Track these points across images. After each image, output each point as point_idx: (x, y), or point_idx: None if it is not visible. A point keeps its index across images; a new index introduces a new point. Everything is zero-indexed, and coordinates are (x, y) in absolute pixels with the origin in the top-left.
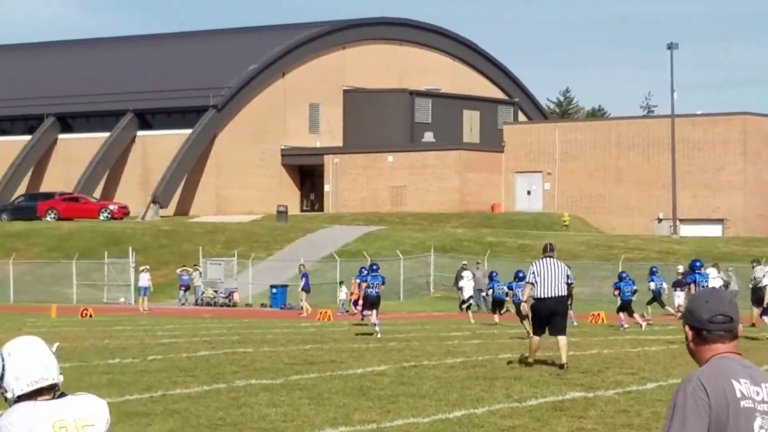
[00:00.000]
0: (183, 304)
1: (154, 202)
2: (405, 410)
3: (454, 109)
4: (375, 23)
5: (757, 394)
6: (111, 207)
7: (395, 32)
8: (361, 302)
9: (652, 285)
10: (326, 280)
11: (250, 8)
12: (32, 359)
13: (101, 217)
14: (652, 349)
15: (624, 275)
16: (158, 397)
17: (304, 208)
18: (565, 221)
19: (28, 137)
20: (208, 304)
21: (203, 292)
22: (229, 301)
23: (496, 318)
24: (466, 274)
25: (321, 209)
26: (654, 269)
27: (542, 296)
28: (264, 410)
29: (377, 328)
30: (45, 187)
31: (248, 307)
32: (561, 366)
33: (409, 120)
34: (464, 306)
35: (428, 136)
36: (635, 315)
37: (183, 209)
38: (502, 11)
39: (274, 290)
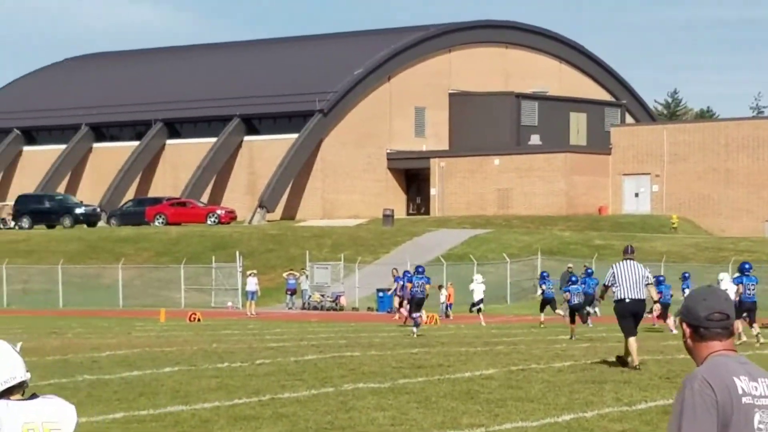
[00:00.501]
0: (290, 308)
1: (261, 206)
2: (513, 414)
3: (561, 111)
4: (481, 26)
5: (755, 389)
6: (218, 211)
7: (501, 35)
8: (405, 304)
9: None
10: (432, 284)
11: (356, 12)
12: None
13: (209, 222)
14: (759, 353)
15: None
16: (267, 401)
17: (411, 211)
18: (673, 223)
19: (136, 143)
20: (315, 308)
21: (310, 296)
22: (336, 304)
23: (542, 318)
24: (477, 277)
25: (427, 213)
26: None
27: (623, 298)
28: (372, 414)
29: (415, 329)
30: (153, 192)
31: (355, 311)
32: (635, 367)
33: (516, 123)
34: (474, 308)
35: (535, 139)
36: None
37: (290, 213)
38: (608, 13)
39: (381, 294)
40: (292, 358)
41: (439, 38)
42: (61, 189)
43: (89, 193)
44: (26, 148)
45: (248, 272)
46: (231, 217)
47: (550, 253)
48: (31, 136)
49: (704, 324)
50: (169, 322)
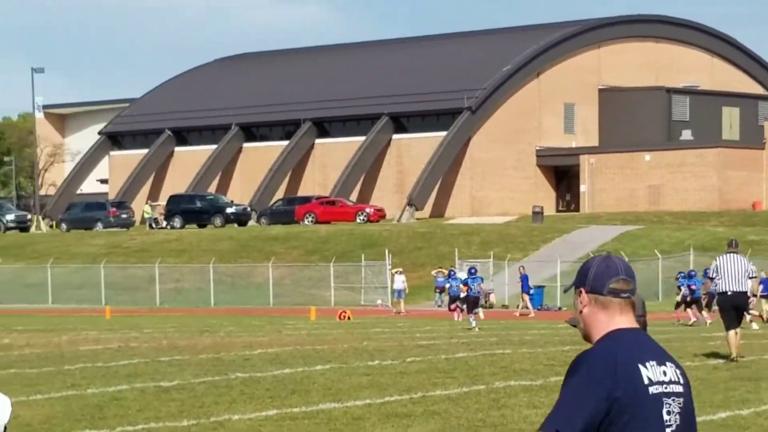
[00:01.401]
0: (439, 306)
1: (409, 204)
2: None
3: (713, 105)
4: (630, 21)
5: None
6: (367, 210)
7: (651, 29)
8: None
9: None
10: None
11: (504, 9)
12: None
13: (358, 220)
14: None
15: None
16: (418, 399)
17: (560, 208)
18: None
19: (285, 142)
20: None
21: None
22: (486, 302)
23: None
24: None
25: (577, 209)
26: None
27: (725, 290)
28: (524, 412)
29: (474, 323)
30: (302, 191)
31: (505, 309)
32: (733, 360)
33: (667, 118)
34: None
35: (686, 134)
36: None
37: (438, 211)
38: (762, 5)
39: (531, 291)
40: (442, 356)
41: (588, 34)
42: (211, 189)
43: (239, 192)
44: (177, 149)
45: (393, 270)
46: (380, 215)
47: (703, 249)
48: (183, 136)
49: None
50: (319, 320)
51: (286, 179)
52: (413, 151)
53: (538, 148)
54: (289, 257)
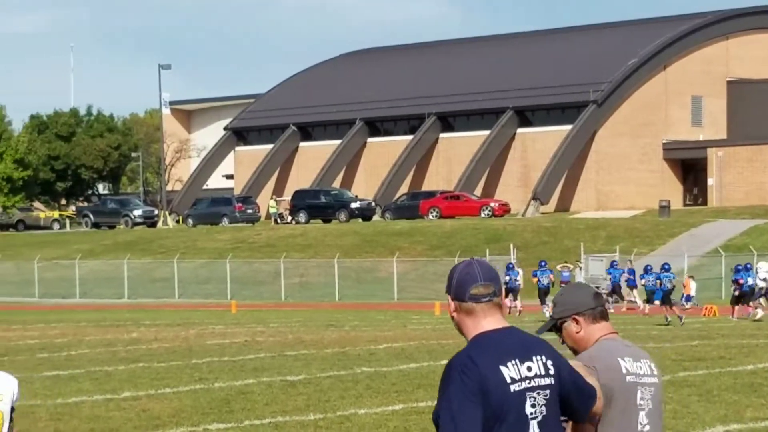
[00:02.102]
0: None
1: (534, 198)
2: None
3: None
4: (760, 12)
5: (640, 369)
6: (492, 204)
7: None
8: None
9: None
10: (711, 276)
11: (629, 1)
12: None
13: (482, 215)
14: None
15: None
16: None
17: (687, 202)
18: None
19: (410, 137)
20: None
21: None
22: (612, 297)
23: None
24: (762, 265)
25: (704, 203)
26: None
27: None
28: None
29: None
30: (427, 186)
31: (631, 303)
32: None
33: None
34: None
35: None
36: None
37: (563, 206)
38: None
39: (746, 286)
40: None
41: (716, 25)
42: (336, 184)
43: (364, 187)
44: (302, 144)
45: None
46: (504, 209)
47: None
48: (307, 132)
49: (590, 310)
50: (443, 315)
51: (411, 174)
52: (538, 144)
53: (664, 141)
54: (413, 252)
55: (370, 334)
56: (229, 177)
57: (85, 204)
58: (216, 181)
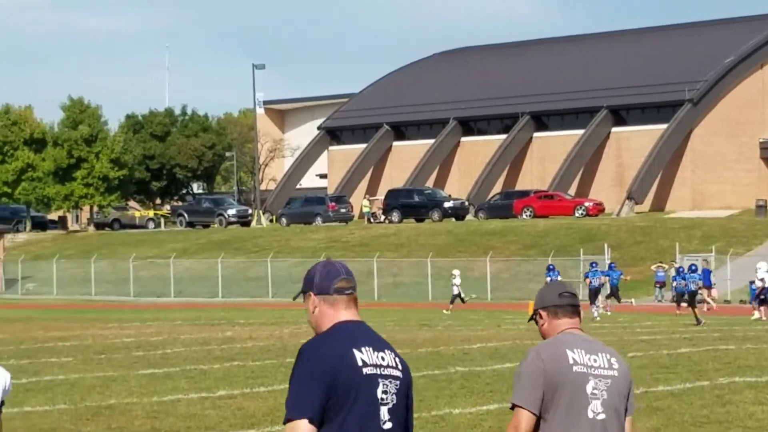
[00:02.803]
0: (659, 301)
1: (629, 198)
2: None
3: None
4: None
5: (594, 361)
6: (586, 204)
7: None
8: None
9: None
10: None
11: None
12: None
13: (576, 214)
14: None
15: None
16: (640, 394)
17: None
18: None
19: (503, 136)
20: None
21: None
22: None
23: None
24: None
25: None
26: None
27: None
28: (750, 408)
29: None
30: (520, 185)
31: (727, 304)
32: None
33: None
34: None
35: None
36: None
37: (659, 205)
38: None
39: (754, 286)
40: (664, 351)
41: None
42: (429, 183)
43: (457, 186)
44: (396, 143)
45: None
46: (599, 209)
47: None
48: (401, 131)
49: (555, 303)
50: None
51: (504, 173)
52: (633, 144)
53: (761, 140)
54: (506, 251)
55: (464, 333)
56: (323, 176)
57: (180, 203)
58: (309, 181)
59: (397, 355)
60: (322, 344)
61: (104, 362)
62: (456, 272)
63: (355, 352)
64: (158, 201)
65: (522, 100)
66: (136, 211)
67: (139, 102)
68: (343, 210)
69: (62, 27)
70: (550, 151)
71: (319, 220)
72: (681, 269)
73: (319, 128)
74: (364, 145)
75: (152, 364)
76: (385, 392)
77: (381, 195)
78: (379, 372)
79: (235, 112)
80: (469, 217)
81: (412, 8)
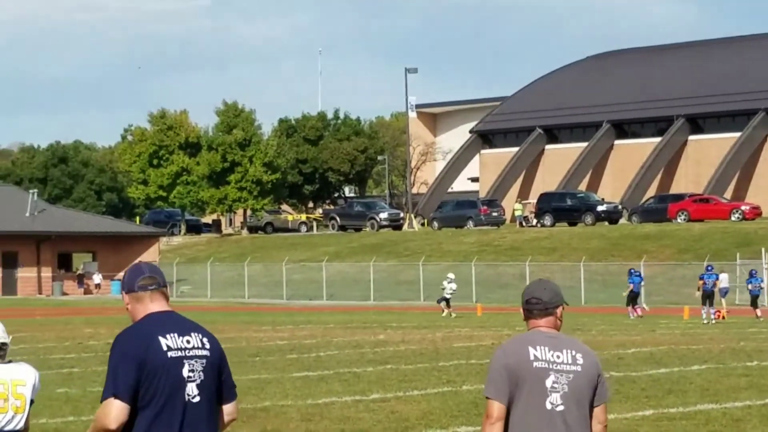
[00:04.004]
0: None
1: None
2: None
3: None
4: None
5: (558, 357)
6: (743, 207)
7: None
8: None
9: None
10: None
11: None
12: None
13: (732, 218)
14: None
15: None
16: None
17: None
18: None
19: (657, 139)
20: None
21: None
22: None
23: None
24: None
25: None
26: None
27: None
28: None
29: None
30: (675, 189)
31: None
32: None
33: None
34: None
35: None
36: None
37: None
38: None
39: None
40: None
41: None
42: (582, 186)
43: (610, 190)
44: (548, 147)
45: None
46: (756, 212)
47: None
48: (553, 134)
49: (526, 306)
50: (693, 319)
51: (658, 176)
52: None
53: None
54: (661, 256)
55: (618, 338)
56: (475, 180)
57: (332, 207)
58: (461, 184)
59: (206, 335)
60: (132, 333)
61: (258, 365)
62: (451, 276)
63: (161, 338)
64: (311, 205)
65: (677, 102)
66: (289, 214)
67: (293, 106)
68: (495, 214)
69: (218, 33)
70: (705, 154)
71: (470, 223)
72: (710, 267)
73: (471, 131)
74: (516, 149)
75: (306, 366)
76: (192, 371)
77: (533, 198)
78: (184, 354)
79: (387, 115)
80: (623, 220)
81: (565, 11)
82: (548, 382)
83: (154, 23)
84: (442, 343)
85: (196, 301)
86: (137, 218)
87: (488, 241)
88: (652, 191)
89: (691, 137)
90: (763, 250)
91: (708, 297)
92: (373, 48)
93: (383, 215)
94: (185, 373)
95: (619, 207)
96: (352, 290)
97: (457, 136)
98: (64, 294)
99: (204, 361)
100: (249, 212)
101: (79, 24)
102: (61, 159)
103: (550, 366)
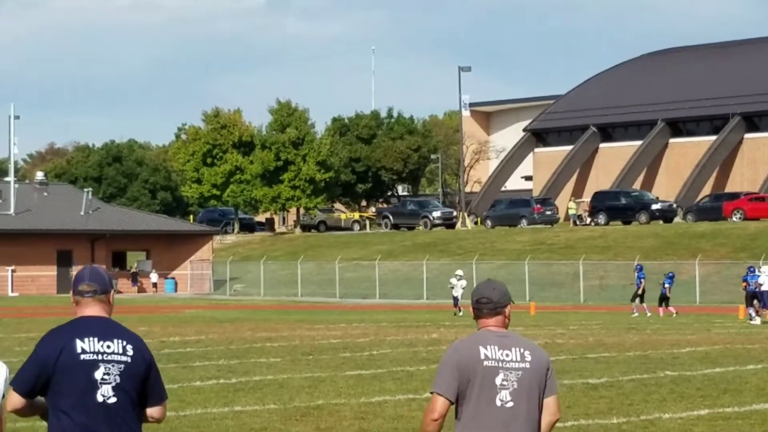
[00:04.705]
0: None
1: None
2: None
3: None
4: None
5: (507, 356)
6: None
7: None
8: None
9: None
10: None
11: None
12: None
13: None
14: None
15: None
16: None
17: None
18: None
19: (713, 137)
20: None
21: None
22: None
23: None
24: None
25: None
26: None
27: None
28: None
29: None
30: (730, 187)
31: None
32: None
33: None
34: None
35: None
36: None
37: None
38: None
39: None
40: None
41: None
42: (636, 185)
43: (665, 188)
44: (602, 145)
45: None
46: None
47: None
48: (607, 132)
49: (475, 306)
50: (748, 319)
51: (714, 175)
52: None
53: None
54: (716, 254)
55: (673, 337)
56: (528, 178)
57: (385, 205)
58: (515, 183)
59: (131, 342)
60: (51, 333)
61: (312, 363)
62: (459, 272)
63: (77, 341)
64: (363, 203)
65: (732, 100)
66: (342, 213)
67: (346, 105)
68: (548, 212)
69: (272, 31)
70: (761, 153)
71: (524, 222)
72: (752, 268)
73: (524, 130)
74: (570, 147)
75: (359, 365)
76: (107, 374)
77: (587, 197)
78: (100, 357)
79: (440, 114)
80: (678, 219)
81: (619, 9)
82: (498, 380)
83: (207, 23)
84: None
85: (249, 300)
86: (191, 217)
87: (542, 240)
88: (707, 190)
89: (747, 135)
90: None
91: (752, 297)
92: (426, 46)
93: (436, 214)
94: (98, 375)
95: (674, 206)
96: (404, 289)
97: (510, 135)
98: (119, 292)
99: (122, 366)
100: (302, 211)
101: (133, 23)
102: (116, 158)
103: (500, 364)
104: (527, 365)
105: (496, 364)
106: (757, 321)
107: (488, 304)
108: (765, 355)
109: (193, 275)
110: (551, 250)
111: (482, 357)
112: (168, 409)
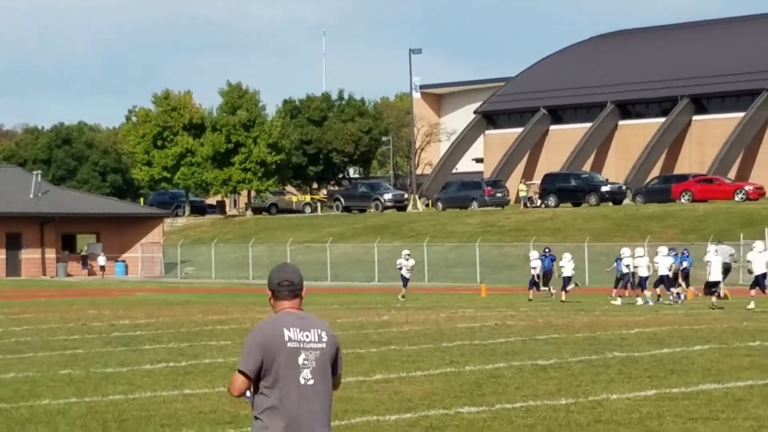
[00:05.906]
0: None
1: None
2: None
3: None
4: None
5: (307, 337)
6: (746, 188)
7: None
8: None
9: None
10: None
11: None
12: None
13: (736, 198)
14: None
15: None
16: None
17: None
18: None
19: (662, 119)
20: None
21: None
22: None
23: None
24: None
25: None
26: None
27: None
28: None
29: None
30: (679, 169)
31: None
32: None
33: None
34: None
35: None
36: None
37: None
38: None
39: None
40: None
41: None
42: (586, 167)
43: (614, 170)
44: (552, 127)
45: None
46: (759, 193)
47: None
48: (557, 114)
49: (276, 288)
50: (696, 299)
51: (662, 157)
52: None
53: None
54: (665, 236)
55: (622, 318)
56: (479, 160)
57: (336, 188)
58: (465, 165)
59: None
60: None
61: None
62: (406, 252)
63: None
64: (315, 186)
65: (681, 83)
66: (293, 195)
67: (297, 87)
68: (499, 194)
69: (222, 14)
70: (709, 135)
71: (475, 204)
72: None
73: (475, 112)
74: (520, 129)
75: None
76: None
77: (537, 179)
78: (300, 346)
79: (391, 96)
80: (627, 201)
81: None
82: (300, 360)
83: (158, 5)
84: (446, 323)
85: (200, 283)
86: (141, 199)
87: (492, 222)
88: (656, 171)
89: (695, 117)
90: (766, 230)
91: (676, 278)
92: (377, 29)
93: (387, 196)
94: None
95: (623, 187)
96: (356, 271)
97: (461, 117)
98: (68, 275)
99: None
100: (253, 193)
101: (83, 5)
102: (65, 140)
103: (301, 345)
104: (324, 345)
105: (299, 345)
106: (618, 301)
107: (290, 286)
108: (712, 335)
109: (144, 258)
110: (502, 233)
111: (286, 339)
112: (116, 392)
